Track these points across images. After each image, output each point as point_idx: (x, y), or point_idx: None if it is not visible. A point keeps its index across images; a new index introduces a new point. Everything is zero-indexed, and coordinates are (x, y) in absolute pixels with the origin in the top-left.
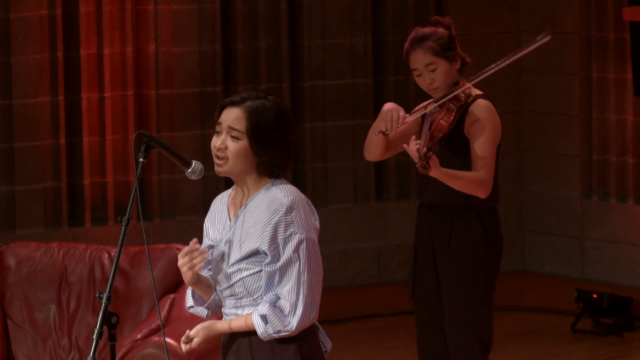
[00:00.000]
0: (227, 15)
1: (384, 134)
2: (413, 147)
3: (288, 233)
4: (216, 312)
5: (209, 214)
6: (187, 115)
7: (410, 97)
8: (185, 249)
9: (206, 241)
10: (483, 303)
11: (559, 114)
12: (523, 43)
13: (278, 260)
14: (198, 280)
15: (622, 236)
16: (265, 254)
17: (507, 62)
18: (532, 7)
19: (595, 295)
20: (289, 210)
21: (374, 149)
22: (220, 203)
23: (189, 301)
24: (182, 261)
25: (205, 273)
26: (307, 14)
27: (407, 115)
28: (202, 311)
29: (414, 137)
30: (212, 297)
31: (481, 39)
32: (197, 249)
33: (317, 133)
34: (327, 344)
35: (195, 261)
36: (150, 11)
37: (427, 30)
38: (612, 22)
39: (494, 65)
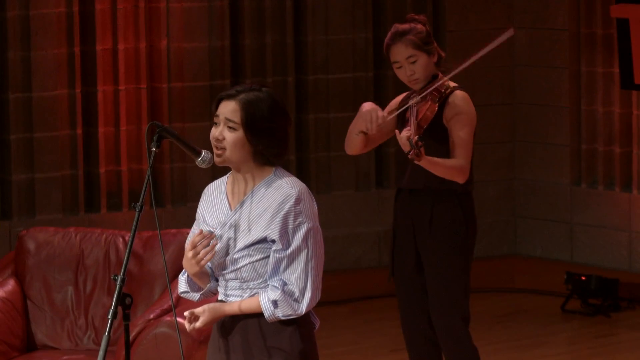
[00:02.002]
0: (235, 12)
1: (364, 133)
2: (404, 136)
3: (297, 222)
4: (207, 297)
5: (203, 201)
6: (198, 107)
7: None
8: (196, 239)
9: (204, 227)
10: (462, 280)
11: (550, 106)
12: (515, 40)
13: (287, 248)
14: (200, 271)
15: (609, 221)
16: (274, 241)
17: (479, 56)
18: (525, 5)
19: (583, 278)
20: (298, 201)
21: (353, 145)
22: (217, 191)
23: (183, 287)
24: (192, 252)
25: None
26: (311, 11)
27: (386, 114)
28: (194, 296)
29: (406, 126)
30: (208, 285)
31: (476, 35)
32: (207, 237)
33: (320, 124)
34: (315, 321)
35: (206, 249)
36: (163, 8)
37: (406, 26)
38: (600, 19)
39: (468, 61)
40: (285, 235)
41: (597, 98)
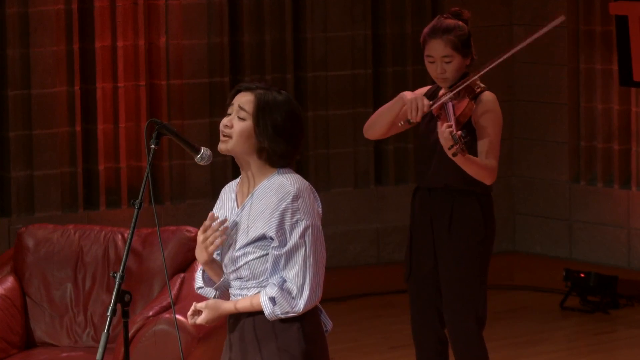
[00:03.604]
0: (234, 9)
1: (409, 122)
2: (447, 131)
3: (294, 220)
4: (224, 294)
5: (218, 201)
6: (197, 104)
7: (407, 88)
8: (205, 222)
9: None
10: (480, 282)
11: (549, 103)
12: (514, 37)
13: (285, 245)
14: (211, 261)
15: (608, 218)
16: (272, 239)
17: (522, 45)
18: (524, 2)
19: (582, 275)
20: (296, 198)
21: (378, 130)
22: (230, 191)
23: (199, 282)
24: (202, 237)
25: (215, 256)
26: (310, 8)
27: (430, 102)
28: (210, 292)
29: (446, 122)
30: (221, 279)
31: (475, 32)
32: (216, 221)
33: (319, 121)
34: (328, 323)
35: (215, 234)
36: (162, 5)
37: (451, 22)
38: (599, 16)
39: (509, 52)
40: (283, 232)
41: (595, 95)
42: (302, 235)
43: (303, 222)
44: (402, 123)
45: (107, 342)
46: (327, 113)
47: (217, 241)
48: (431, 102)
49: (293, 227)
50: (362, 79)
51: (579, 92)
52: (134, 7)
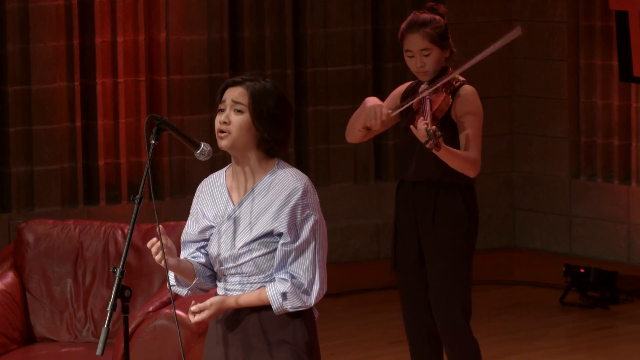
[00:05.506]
0: (234, 4)
1: (368, 129)
2: (422, 127)
3: (304, 215)
4: (195, 293)
5: (201, 195)
6: (197, 100)
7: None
8: (153, 248)
9: (205, 222)
10: (465, 273)
11: (549, 99)
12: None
13: (296, 240)
14: (177, 266)
15: (607, 214)
16: (280, 234)
17: (488, 53)
18: None
19: (582, 270)
20: (305, 194)
21: (354, 135)
22: (216, 185)
23: (172, 280)
24: (158, 257)
25: (202, 256)
26: (310, 4)
27: (390, 111)
28: (182, 291)
29: (421, 117)
30: (194, 282)
31: (475, 28)
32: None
33: (319, 116)
34: (315, 312)
35: (157, 255)
36: (161, 1)
37: (427, 16)
38: (599, 11)
39: (474, 59)
40: (294, 228)
41: (595, 90)
42: (313, 231)
43: (312, 218)
44: (360, 129)
45: (107, 337)
46: (327, 108)
47: (157, 257)
48: (390, 110)
49: (303, 222)
50: (362, 74)
51: (579, 87)
52: (134, 2)
